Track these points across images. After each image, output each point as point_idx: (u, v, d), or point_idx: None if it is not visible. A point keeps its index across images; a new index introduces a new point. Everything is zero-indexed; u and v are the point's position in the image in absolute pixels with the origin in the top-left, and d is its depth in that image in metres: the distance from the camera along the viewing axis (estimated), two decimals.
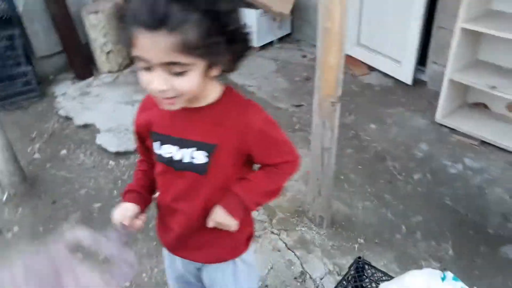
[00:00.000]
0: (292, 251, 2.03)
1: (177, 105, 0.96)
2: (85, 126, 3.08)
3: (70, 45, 3.52)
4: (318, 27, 1.63)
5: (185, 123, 1.04)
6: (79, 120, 3.13)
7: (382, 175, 2.46)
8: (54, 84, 3.60)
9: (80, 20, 3.53)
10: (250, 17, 3.79)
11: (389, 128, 2.85)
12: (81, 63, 3.63)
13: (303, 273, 1.94)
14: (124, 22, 0.86)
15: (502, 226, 2.10)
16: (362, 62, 3.52)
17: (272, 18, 3.88)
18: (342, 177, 2.43)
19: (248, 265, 1.29)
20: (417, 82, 3.26)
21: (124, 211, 1.12)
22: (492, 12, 2.59)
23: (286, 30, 4.10)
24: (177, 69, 0.86)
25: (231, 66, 0.97)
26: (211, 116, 1.03)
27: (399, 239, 2.06)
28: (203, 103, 1.02)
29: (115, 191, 2.53)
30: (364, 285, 1.65)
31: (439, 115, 2.82)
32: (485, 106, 2.90)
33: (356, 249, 2.01)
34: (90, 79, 3.63)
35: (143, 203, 1.17)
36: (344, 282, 1.60)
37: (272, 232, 2.12)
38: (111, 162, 2.76)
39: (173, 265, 1.37)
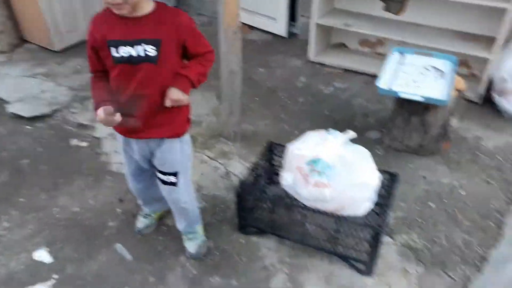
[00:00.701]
0: (216, 160, 2.49)
1: (124, 10, 1.37)
2: None
3: None
4: None
5: (134, 28, 1.43)
6: None
7: (275, 102, 3.05)
8: None
9: None
10: None
11: (274, 70, 3.45)
12: None
13: (227, 172, 2.42)
14: None
15: (364, 121, 2.83)
16: (243, 23, 4.06)
17: None
18: (244, 108, 2.94)
19: (188, 144, 1.73)
20: (290, 34, 3.92)
21: (105, 110, 1.43)
22: None
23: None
24: None
25: None
26: (152, 20, 1.43)
27: (293, 139, 2.63)
28: (143, 12, 1.42)
29: (39, 149, 2.69)
30: (274, 159, 2.18)
31: (311, 55, 3.51)
32: (344, 45, 3.67)
33: None
34: None
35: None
36: (260, 161, 2.11)
37: (197, 152, 2.55)
38: (27, 127, 2.88)
39: (131, 157, 1.72)
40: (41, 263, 1.96)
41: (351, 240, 1.87)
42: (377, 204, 1.90)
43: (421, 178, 2.39)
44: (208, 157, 2.52)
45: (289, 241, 2.00)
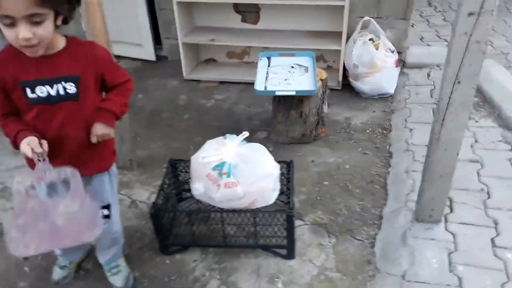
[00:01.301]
0: (118, 193, 2.43)
1: (39, 52, 1.28)
2: None
3: None
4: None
5: (49, 66, 1.35)
6: None
7: (162, 123, 3.09)
8: None
9: None
10: None
11: (152, 93, 3.49)
12: None
13: (132, 201, 2.39)
14: None
15: (250, 124, 3.05)
16: None
17: None
18: (134, 134, 2.92)
19: (115, 175, 1.73)
20: (159, 58, 3.99)
21: (30, 142, 1.33)
22: None
23: None
24: (37, 19, 1.20)
25: (69, 14, 1.33)
26: (67, 56, 1.38)
27: (190, 153, 2.71)
28: (56, 49, 1.36)
29: None
30: (179, 175, 2.24)
31: (185, 74, 3.63)
32: (214, 60, 3.87)
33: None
34: None
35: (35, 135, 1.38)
36: (166, 179, 2.15)
37: None
38: None
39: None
40: None
41: (269, 230, 2.02)
42: (282, 192, 2.09)
43: (310, 162, 2.67)
44: None
45: (213, 247, 2.07)
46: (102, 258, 1.90)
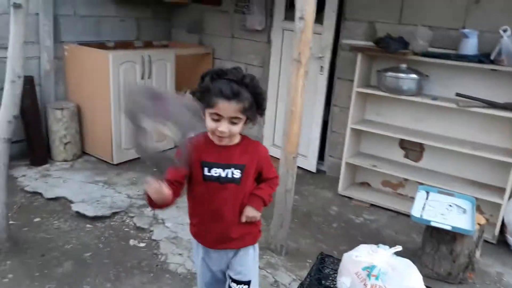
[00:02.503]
0: (264, 270, 2.73)
1: (224, 141, 1.71)
2: (56, 199, 3.45)
3: (33, 135, 3.96)
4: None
5: (226, 154, 1.76)
6: (49, 194, 3.48)
7: (312, 225, 3.39)
8: (9, 169, 3.88)
9: (44, 114, 4.08)
10: None
11: (307, 198, 3.88)
12: (39, 151, 4.04)
13: (275, 281, 2.64)
14: (209, 93, 1.62)
15: None
16: (277, 158, 4.62)
17: None
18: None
19: (258, 252, 1.99)
20: (319, 171, 4.44)
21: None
22: (365, 120, 4.00)
23: None
24: (235, 121, 1.60)
25: (256, 120, 1.73)
26: (240, 149, 1.78)
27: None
28: (233, 143, 1.78)
29: (100, 245, 2.94)
30: (325, 271, 2.44)
31: (340, 189, 3.97)
32: (368, 184, 4.16)
33: (308, 266, 2.79)
34: (46, 165, 4.03)
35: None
36: (314, 267, 2.38)
37: None
38: (88, 225, 3.17)
39: (207, 267, 1.92)
40: None
41: None
42: None
43: None
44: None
45: None
46: None
